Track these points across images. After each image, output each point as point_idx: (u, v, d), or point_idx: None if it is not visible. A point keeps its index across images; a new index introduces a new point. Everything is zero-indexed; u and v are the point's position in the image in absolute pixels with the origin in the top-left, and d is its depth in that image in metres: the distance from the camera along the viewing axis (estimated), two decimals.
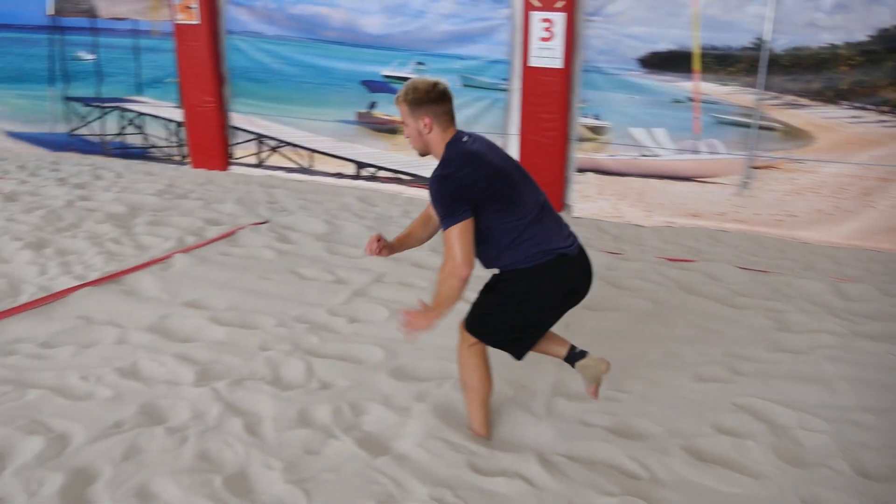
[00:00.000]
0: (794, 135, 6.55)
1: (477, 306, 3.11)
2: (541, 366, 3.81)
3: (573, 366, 3.27)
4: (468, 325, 3.11)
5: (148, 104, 8.97)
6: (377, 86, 7.83)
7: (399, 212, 7.17)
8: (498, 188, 2.89)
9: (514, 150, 7.32)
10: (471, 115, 7.42)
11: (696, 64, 6.61)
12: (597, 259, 5.71)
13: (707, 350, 4.20)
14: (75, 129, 9.44)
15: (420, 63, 7.58)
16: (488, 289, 3.14)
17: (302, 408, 3.37)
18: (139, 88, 8.97)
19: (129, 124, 9.18)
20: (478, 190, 2.84)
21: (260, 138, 8.58)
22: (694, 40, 6.55)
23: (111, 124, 9.26)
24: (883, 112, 6.22)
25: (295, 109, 8.30)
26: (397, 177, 7.99)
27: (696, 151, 6.87)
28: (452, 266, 2.81)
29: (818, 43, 6.23)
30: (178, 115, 8.80)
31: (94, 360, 3.75)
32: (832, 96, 6.35)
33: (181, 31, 8.24)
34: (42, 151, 9.63)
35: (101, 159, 9.29)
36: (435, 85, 2.93)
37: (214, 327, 4.23)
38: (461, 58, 7.43)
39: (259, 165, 8.68)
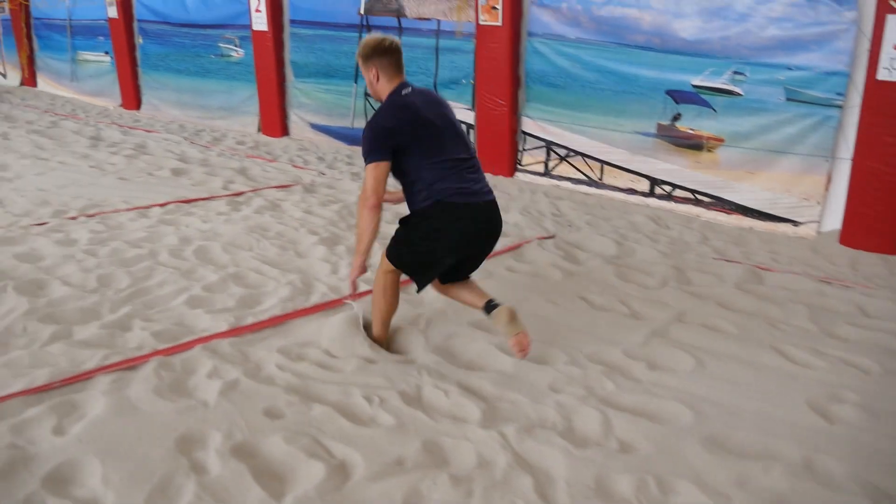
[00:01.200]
0: None
1: (393, 237, 3.66)
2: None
3: (489, 315, 3.66)
4: (387, 251, 3.65)
5: None
6: (685, 96, 7.09)
7: (696, 237, 6.43)
8: (421, 135, 3.41)
9: (842, 178, 6.28)
10: (792, 134, 6.47)
11: None
12: None
13: None
14: None
15: (738, 73, 6.73)
16: (403, 222, 3.66)
17: (599, 473, 2.88)
18: (435, 88, 9.03)
19: None
20: (400, 136, 3.39)
21: (549, 146, 8.23)
22: None
23: None
24: None
25: (589, 118, 7.82)
26: (695, 197, 7.22)
27: None
28: (363, 196, 3.42)
29: None
30: (470, 117, 8.71)
31: (379, 379, 3.54)
32: None
33: (482, 31, 8.12)
34: (340, 144, 10.09)
35: None
36: (382, 40, 3.50)
37: (501, 356, 3.86)
38: (788, 68, 6.47)
39: (546, 174, 8.33)
